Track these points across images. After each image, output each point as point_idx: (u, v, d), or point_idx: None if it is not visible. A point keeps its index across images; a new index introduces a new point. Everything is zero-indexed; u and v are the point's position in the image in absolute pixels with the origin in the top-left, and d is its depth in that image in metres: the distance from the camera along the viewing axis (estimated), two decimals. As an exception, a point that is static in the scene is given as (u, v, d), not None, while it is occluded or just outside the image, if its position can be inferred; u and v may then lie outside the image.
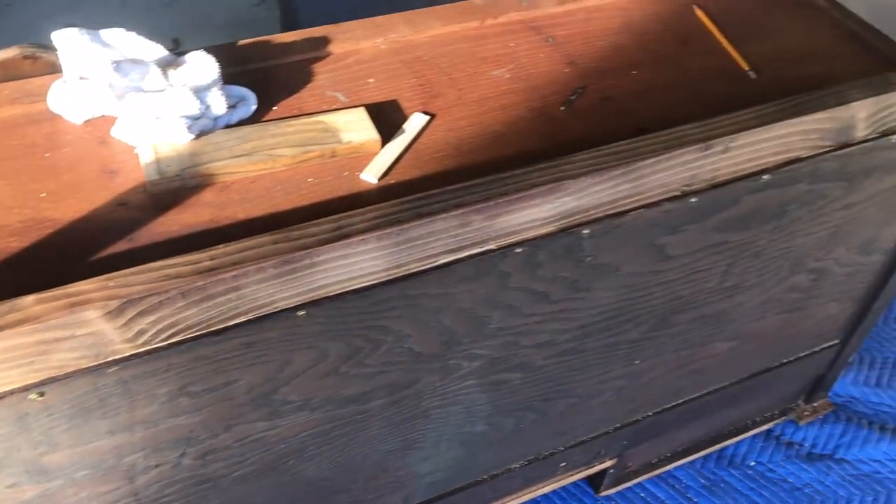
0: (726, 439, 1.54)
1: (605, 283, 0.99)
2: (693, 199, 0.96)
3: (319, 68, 1.04)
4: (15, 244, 0.79)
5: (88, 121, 0.94)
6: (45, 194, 0.85)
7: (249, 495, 0.96)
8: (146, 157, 0.88)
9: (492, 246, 0.86)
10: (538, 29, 1.14)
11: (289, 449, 0.94)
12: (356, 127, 0.94)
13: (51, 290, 0.70)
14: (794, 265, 1.17)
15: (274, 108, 0.98)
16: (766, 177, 0.99)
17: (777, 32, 1.17)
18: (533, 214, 0.87)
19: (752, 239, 1.07)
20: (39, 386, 0.72)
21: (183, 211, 0.85)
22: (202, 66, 0.93)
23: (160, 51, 0.96)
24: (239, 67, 1.01)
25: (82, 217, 0.83)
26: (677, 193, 0.94)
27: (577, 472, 1.37)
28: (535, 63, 1.08)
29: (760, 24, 1.18)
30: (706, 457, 1.56)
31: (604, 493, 1.48)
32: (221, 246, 0.76)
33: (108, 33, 0.94)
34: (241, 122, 0.95)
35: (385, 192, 0.88)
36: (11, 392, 0.71)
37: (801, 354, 1.42)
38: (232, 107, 0.94)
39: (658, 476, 1.52)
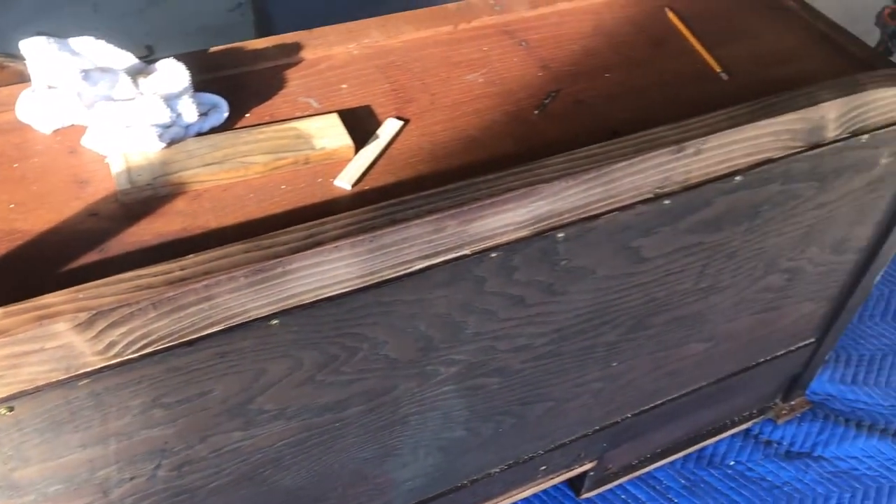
0: (705, 439, 1.54)
1: (581, 287, 1.00)
2: (666, 202, 0.96)
3: (292, 74, 1.03)
4: (-17, 256, 0.78)
5: (58, 130, 0.93)
6: (13, 205, 0.84)
7: (226, 506, 0.96)
8: (117, 166, 0.87)
9: (466, 251, 0.86)
10: (511, 33, 1.14)
11: (265, 458, 0.93)
12: (329, 133, 0.93)
13: (19, 304, 0.69)
14: (768, 265, 1.18)
15: (246, 115, 0.97)
16: (738, 178, 1.00)
17: (748, 34, 1.18)
18: (507, 219, 0.86)
19: (726, 240, 1.08)
20: (9, 400, 0.71)
21: (154, 220, 0.84)
22: (173, 73, 0.92)
23: (130, 59, 0.95)
24: (210, 74, 1.00)
25: (52, 228, 0.82)
26: (650, 196, 0.95)
27: (558, 476, 1.37)
28: (509, 67, 1.08)
29: (732, 26, 1.19)
30: (686, 457, 1.56)
31: (584, 496, 1.48)
32: (192, 256, 0.75)
33: (77, 42, 0.93)
34: (213, 130, 0.94)
35: (359, 199, 0.88)
36: (-20, 407, 0.70)
37: (778, 354, 1.43)
38: (203, 114, 0.94)
39: (638, 477, 1.52)
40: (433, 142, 0.96)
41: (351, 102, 1.00)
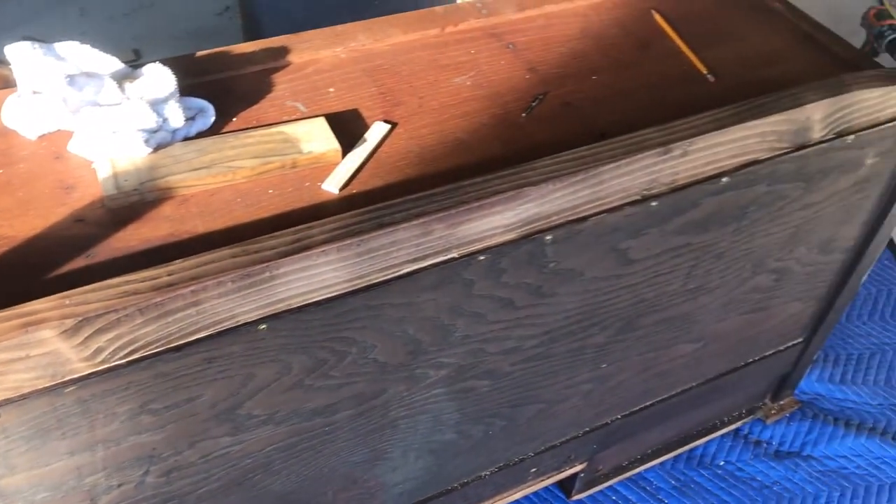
0: (695, 440, 1.55)
1: (570, 289, 1.00)
2: (654, 203, 0.96)
3: (279, 78, 1.03)
4: (-32, 263, 0.78)
5: (43, 136, 0.92)
6: (-1, 212, 0.84)
7: (216, 511, 0.95)
8: (103, 171, 0.87)
9: (455, 254, 0.86)
10: (498, 36, 1.14)
11: (255, 464, 0.93)
12: (316, 137, 0.93)
13: (4, 310, 0.69)
14: (755, 266, 1.18)
15: (233, 119, 0.97)
16: (725, 179, 1.00)
17: (734, 36, 1.18)
18: (495, 222, 0.87)
19: (714, 241, 1.08)
20: (-5, 408, 0.70)
21: (141, 226, 0.84)
22: (159, 78, 0.92)
23: (116, 63, 0.95)
24: (197, 79, 1.00)
25: (38, 234, 0.82)
26: (638, 198, 0.95)
27: (548, 477, 1.37)
28: (496, 70, 1.08)
29: (718, 28, 1.20)
30: (676, 458, 1.57)
31: (575, 497, 1.48)
32: (179, 261, 0.75)
33: (62, 46, 0.93)
34: (200, 135, 0.94)
35: (347, 203, 0.88)
36: (-34, 415, 0.69)
37: (766, 354, 1.43)
38: (190, 119, 0.93)
39: (629, 478, 1.52)
40: (421, 145, 0.96)
41: (338, 106, 1.00)
